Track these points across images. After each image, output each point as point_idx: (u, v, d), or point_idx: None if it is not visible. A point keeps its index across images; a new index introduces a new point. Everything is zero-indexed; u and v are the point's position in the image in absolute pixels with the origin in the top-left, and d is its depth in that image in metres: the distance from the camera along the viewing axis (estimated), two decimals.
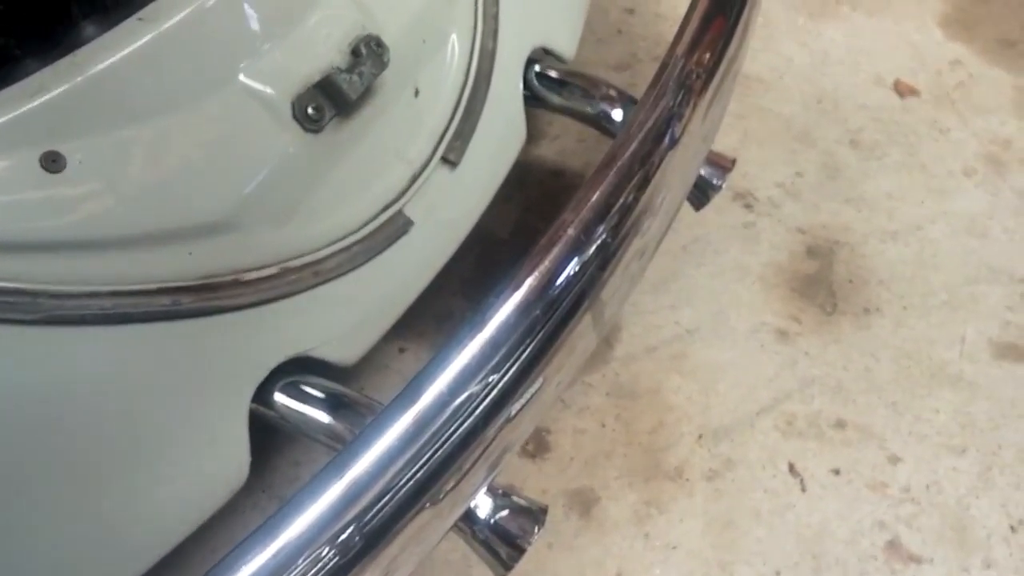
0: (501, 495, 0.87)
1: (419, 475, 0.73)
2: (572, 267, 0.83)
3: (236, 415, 0.87)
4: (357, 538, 0.71)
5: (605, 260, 0.86)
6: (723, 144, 1.80)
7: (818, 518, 1.29)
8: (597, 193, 0.86)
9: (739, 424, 1.40)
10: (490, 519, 0.85)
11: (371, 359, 1.49)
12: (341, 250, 0.95)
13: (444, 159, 1.07)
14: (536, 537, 0.87)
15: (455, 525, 0.86)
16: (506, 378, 0.78)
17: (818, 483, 1.33)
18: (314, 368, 0.97)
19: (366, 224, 0.98)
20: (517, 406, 0.80)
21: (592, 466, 1.36)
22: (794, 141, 1.84)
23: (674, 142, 0.92)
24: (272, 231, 0.90)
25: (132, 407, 0.80)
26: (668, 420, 1.41)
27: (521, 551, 0.85)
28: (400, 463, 0.72)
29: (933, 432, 1.39)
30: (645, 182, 0.88)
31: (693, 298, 1.57)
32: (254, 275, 0.87)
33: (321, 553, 0.69)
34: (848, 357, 1.48)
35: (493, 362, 0.77)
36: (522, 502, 0.87)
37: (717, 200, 1.73)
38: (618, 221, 0.87)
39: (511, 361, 0.78)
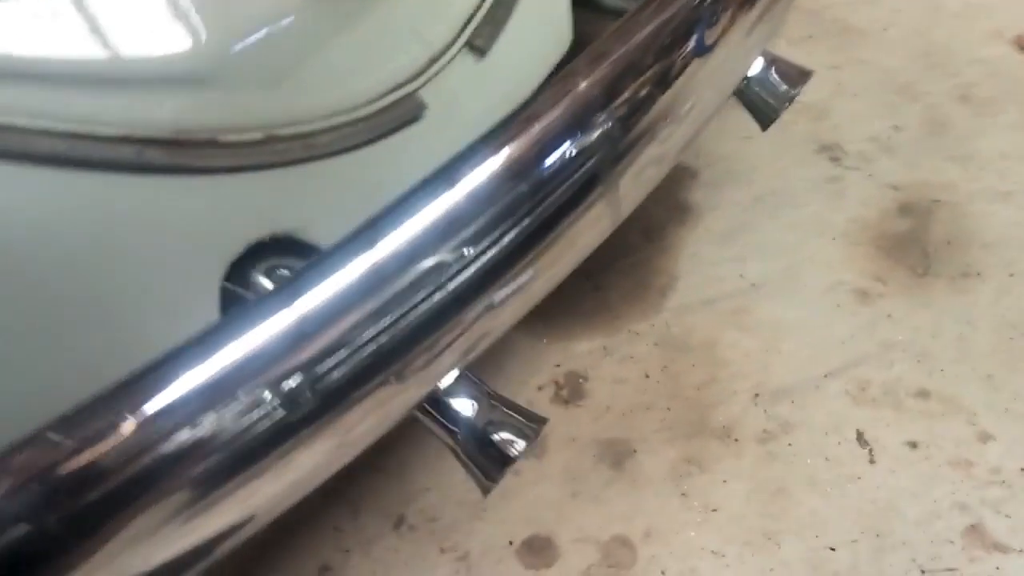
0: (490, 400, 0.75)
1: (378, 335, 0.63)
2: (586, 128, 0.71)
3: (205, 289, 0.79)
4: (308, 394, 0.62)
5: (625, 129, 0.74)
6: (811, 96, 1.63)
7: (886, 493, 1.12)
8: (621, 50, 0.74)
9: (802, 386, 1.24)
10: (475, 424, 0.74)
11: None
12: (339, 126, 0.86)
13: (470, 45, 0.97)
14: (525, 448, 0.75)
15: (437, 424, 0.75)
16: (484, 255, 0.67)
17: (890, 455, 1.16)
18: (305, 254, 0.88)
19: (371, 102, 0.88)
20: (496, 290, 0.68)
21: (630, 417, 1.23)
22: (894, 94, 1.65)
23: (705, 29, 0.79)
24: (260, 93, 0.82)
25: (83, 261, 0.73)
26: (721, 376, 1.26)
27: (506, 463, 0.74)
28: (357, 312, 0.62)
29: None
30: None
31: (763, 252, 1.41)
32: (233, 137, 0.79)
33: (263, 396, 0.60)
34: (939, 323, 1.29)
35: (470, 231, 0.66)
36: (512, 411, 0.76)
37: (799, 152, 1.57)
38: (637, 88, 0.74)
39: (492, 235, 0.67)
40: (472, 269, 0.67)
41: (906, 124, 1.59)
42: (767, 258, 1.41)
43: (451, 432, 0.73)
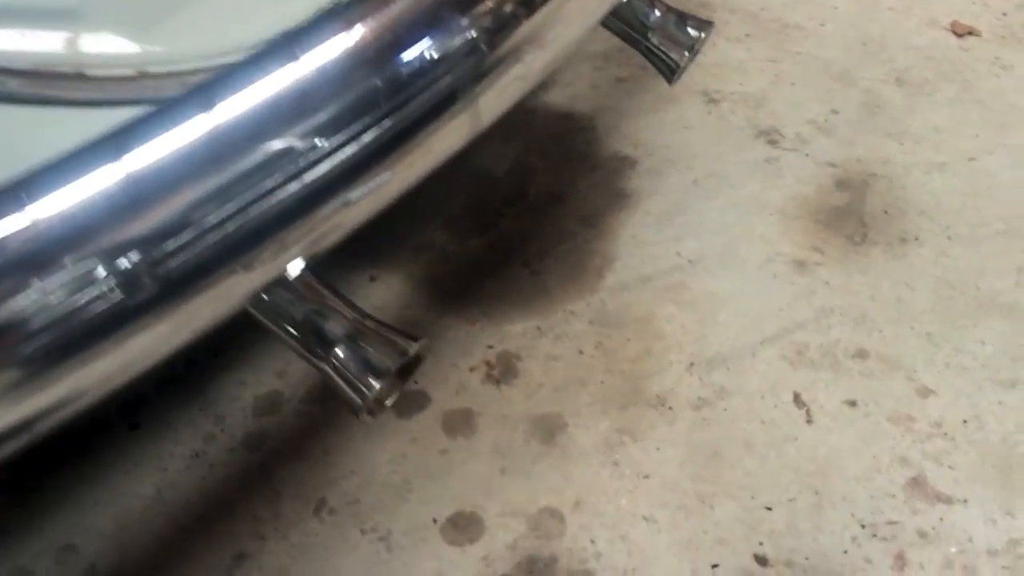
0: (363, 320, 0.72)
1: (225, 216, 0.60)
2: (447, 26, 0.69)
3: None
4: (147, 280, 0.58)
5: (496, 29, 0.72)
6: (749, 87, 1.63)
7: (824, 452, 1.08)
8: None
9: (738, 353, 1.21)
10: (345, 342, 0.70)
11: (337, 284, 1.38)
12: (216, 67, 0.84)
13: None
14: (396, 368, 0.71)
15: (307, 346, 0.71)
16: (335, 147, 0.65)
17: (828, 415, 1.11)
18: None
19: (251, 47, 0.87)
20: (349, 187, 0.66)
21: (562, 393, 1.19)
22: (832, 81, 1.65)
23: None
24: (133, 30, 0.80)
25: None
26: (656, 349, 1.23)
27: (377, 382, 0.70)
28: (197, 181, 0.59)
29: (977, 364, 1.15)
30: None
31: (700, 230, 1.40)
32: (102, 72, 0.78)
33: (96, 273, 0.56)
34: (877, 287, 1.26)
35: (320, 117, 0.64)
36: (385, 330, 0.72)
37: (737, 138, 1.57)
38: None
39: (345, 125, 0.65)
40: (323, 159, 0.64)
41: (843, 107, 1.59)
42: (704, 236, 1.38)
43: (321, 353, 0.70)
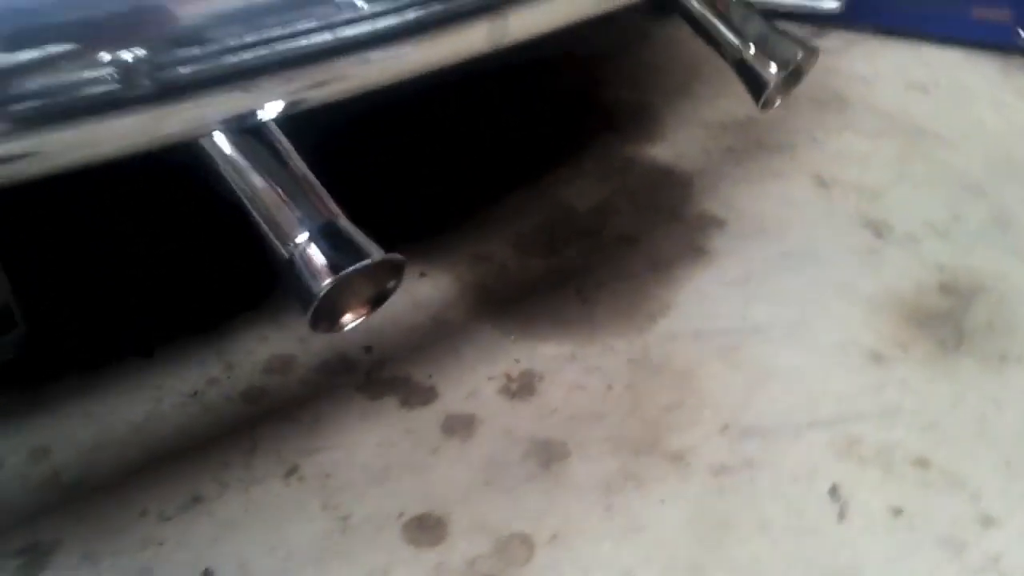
0: (336, 218, 0.66)
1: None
2: None
3: None
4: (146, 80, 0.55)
5: None
6: (869, 179, 1.52)
7: (849, 555, 0.92)
8: None
9: (780, 428, 1.07)
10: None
11: None
12: None
13: None
14: (347, 275, 0.64)
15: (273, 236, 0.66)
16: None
17: (865, 516, 0.96)
18: None
19: None
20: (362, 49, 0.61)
21: (576, 423, 1.09)
22: (961, 190, 1.52)
23: None
24: None
25: None
26: (690, 403, 1.11)
27: (318, 289, 0.63)
28: None
29: None
30: None
31: (774, 300, 1.28)
32: None
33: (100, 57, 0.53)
34: (960, 397, 1.11)
35: None
36: (360, 234, 0.66)
37: (842, 223, 1.45)
38: None
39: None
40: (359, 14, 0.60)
41: (968, 216, 1.45)
42: (777, 306, 1.27)
43: (284, 243, 0.64)
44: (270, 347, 1.21)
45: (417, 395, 1.13)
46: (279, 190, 0.67)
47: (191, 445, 1.07)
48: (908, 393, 1.11)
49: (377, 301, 0.71)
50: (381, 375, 1.16)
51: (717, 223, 1.45)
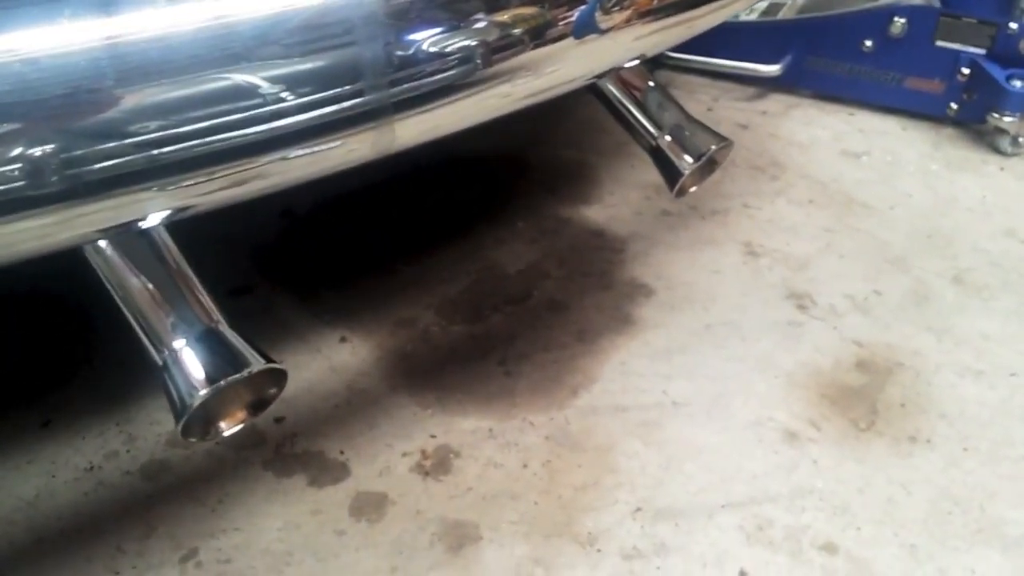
0: (216, 325, 0.64)
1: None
2: None
3: None
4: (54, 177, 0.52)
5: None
6: (796, 248, 1.54)
7: None
8: None
9: (693, 511, 1.07)
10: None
11: (306, 337, 1.32)
12: None
13: None
14: (228, 384, 0.62)
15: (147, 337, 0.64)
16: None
17: None
18: None
19: None
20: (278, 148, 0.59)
21: (489, 503, 1.07)
22: (884, 262, 1.55)
23: None
24: None
25: None
26: (606, 483, 1.10)
27: (190, 401, 0.61)
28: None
29: None
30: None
31: (696, 374, 1.28)
32: None
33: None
34: (869, 480, 1.11)
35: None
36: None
37: (767, 294, 1.46)
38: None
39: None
40: (284, 109, 0.58)
41: (888, 290, 1.47)
42: (698, 381, 1.27)
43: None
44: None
45: (327, 472, 1.11)
46: (156, 293, 0.65)
47: (83, 526, 1.03)
48: (819, 474, 1.12)
49: (257, 407, 0.69)
50: (292, 450, 1.13)
51: (646, 291, 1.46)
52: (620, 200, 1.71)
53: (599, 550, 1.01)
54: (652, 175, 1.78)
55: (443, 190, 1.68)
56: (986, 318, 1.41)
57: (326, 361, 1.28)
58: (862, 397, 1.25)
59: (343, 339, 1.32)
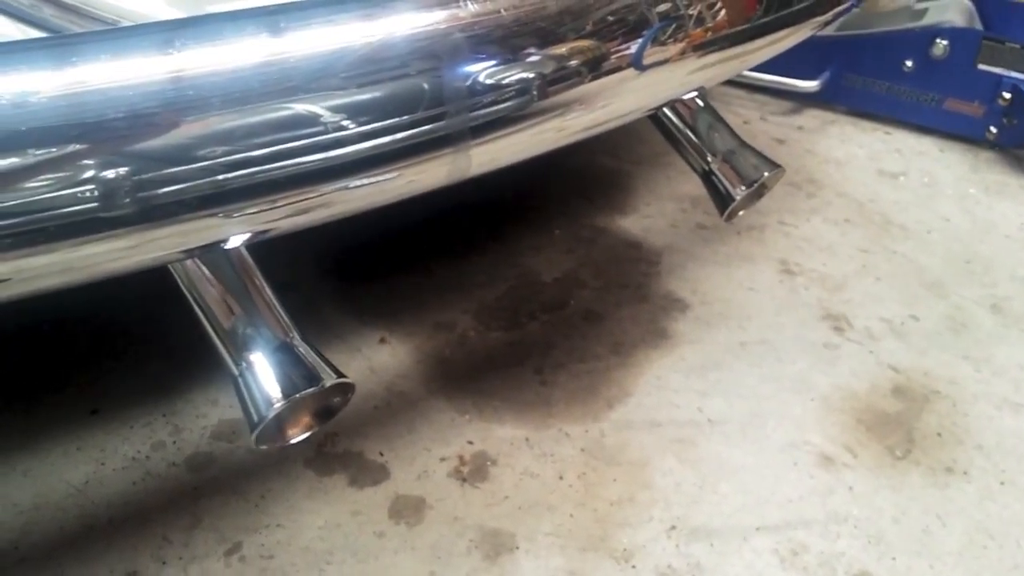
0: (291, 339, 0.66)
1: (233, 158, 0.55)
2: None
3: None
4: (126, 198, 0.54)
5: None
6: (834, 269, 1.54)
7: None
8: None
9: (728, 532, 1.08)
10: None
11: (346, 337, 1.34)
12: None
13: None
14: (285, 405, 0.64)
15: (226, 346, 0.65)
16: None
17: None
18: None
19: None
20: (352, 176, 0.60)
21: (526, 513, 1.08)
22: (921, 287, 1.55)
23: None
24: None
25: None
26: (641, 499, 1.11)
27: (265, 412, 0.62)
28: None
29: None
30: None
31: (731, 393, 1.29)
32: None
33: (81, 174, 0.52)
34: (904, 510, 1.12)
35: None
36: (316, 357, 0.65)
37: (802, 314, 1.47)
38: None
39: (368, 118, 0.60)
40: (349, 137, 0.59)
41: (925, 316, 1.47)
42: (734, 400, 1.27)
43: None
44: (220, 412, 1.19)
45: (367, 474, 1.12)
46: (235, 305, 0.66)
47: (131, 514, 1.05)
48: (855, 501, 1.12)
49: (324, 415, 0.70)
50: (333, 449, 1.15)
51: (681, 306, 1.46)
52: (656, 211, 1.72)
53: (634, 567, 1.02)
54: (688, 187, 1.79)
55: (478, 192, 1.68)
56: None
57: (366, 361, 1.30)
58: (898, 424, 1.25)
59: (382, 340, 1.34)
